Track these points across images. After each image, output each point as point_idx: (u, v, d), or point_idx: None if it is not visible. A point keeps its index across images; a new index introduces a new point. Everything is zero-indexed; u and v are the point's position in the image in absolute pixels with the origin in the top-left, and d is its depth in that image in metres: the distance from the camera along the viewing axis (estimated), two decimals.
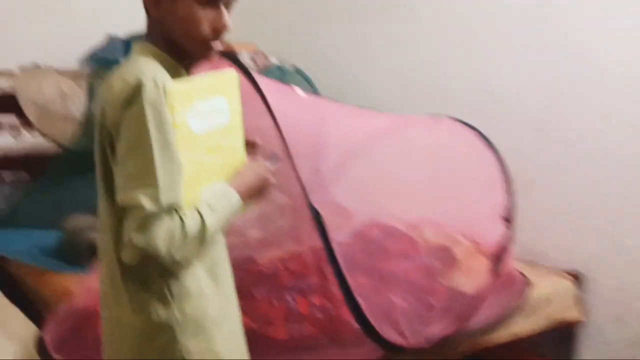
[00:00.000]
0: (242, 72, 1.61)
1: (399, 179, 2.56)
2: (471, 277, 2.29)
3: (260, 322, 1.80)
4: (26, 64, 2.78)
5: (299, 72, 3.12)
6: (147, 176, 1.02)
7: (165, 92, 1.04)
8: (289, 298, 1.88)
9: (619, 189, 2.33)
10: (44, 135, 2.67)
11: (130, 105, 1.03)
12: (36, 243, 2.48)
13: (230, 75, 1.21)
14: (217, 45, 1.18)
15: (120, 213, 1.05)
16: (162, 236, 1.01)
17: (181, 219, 1.04)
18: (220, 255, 1.25)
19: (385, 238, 2.26)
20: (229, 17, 1.18)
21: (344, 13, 3.19)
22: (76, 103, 2.76)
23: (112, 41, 3.09)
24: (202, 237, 1.07)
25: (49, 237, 2.46)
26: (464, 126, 2.36)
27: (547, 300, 2.30)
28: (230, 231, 2.46)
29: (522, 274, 2.34)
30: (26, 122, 2.64)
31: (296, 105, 2.16)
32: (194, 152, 1.10)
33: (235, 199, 1.16)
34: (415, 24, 2.95)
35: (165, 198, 1.02)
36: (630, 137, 2.28)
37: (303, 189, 1.62)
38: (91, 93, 2.68)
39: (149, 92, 1.03)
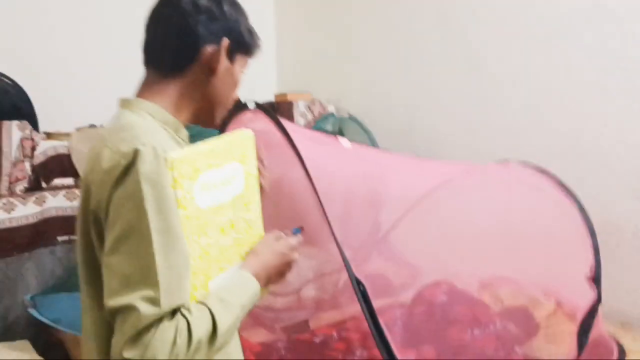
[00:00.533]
0: (275, 123, 1.46)
1: (468, 231, 2.33)
2: (554, 344, 2.01)
3: None
4: (83, 125, 2.78)
5: (353, 119, 2.98)
6: (144, 274, 0.83)
7: (167, 162, 0.87)
8: None
9: None
10: None
11: (123, 181, 0.85)
12: None
13: (244, 135, 1.04)
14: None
15: (109, 317, 0.86)
16: (163, 347, 0.82)
17: (187, 321, 0.85)
18: (233, 354, 1.04)
19: (451, 302, 2.02)
20: None
21: (403, 61, 3.04)
22: None
23: None
24: (213, 339, 0.88)
25: None
26: (537, 172, 2.12)
27: None
28: (284, 289, 2.35)
29: (615, 339, 2.03)
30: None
31: (341, 156, 2.00)
32: (202, 233, 0.92)
33: (252, 285, 0.98)
34: (481, 69, 2.75)
35: (167, 301, 0.83)
36: None
37: (342, 255, 1.43)
38: None
39: (147, 165, 0.85)
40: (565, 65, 2.45)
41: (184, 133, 1.05)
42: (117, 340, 0.83)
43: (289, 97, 3.30)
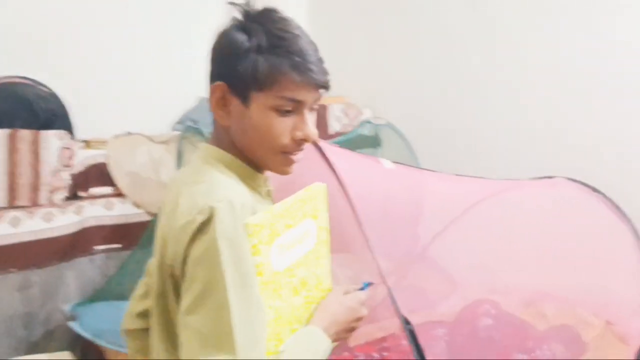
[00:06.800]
0: (325, 160, 1.42)
1: (511, 246, 2.28)
2: None
3: None
4: (120, 133, 2.77)
5: (390, 126, 2.93)
6: (221, 335, 0.81)
7: (247, 228, 0.85)
8: None
9: None
10: (135, 204, 2.63)
11: (199, 239, 0.83)
12: None
13: (317, 189, 1.00)
14: (298, 157, 0.99)
15: None
16: None
17: None
18: None
19: (496, 323, 1.97)
20: (313, 123, 0.99)
21: (440, 64, 2.96)
22: (167, 169, 2.71)
23: (202, 102, 3.07)
24: None
25: None
26: (583, 187, 2.05)
27: None
28: None
29: None
30: (118, 192, 2.61)
31: (385, 177, 1.96)
32: (276, 297, 0.89)
33: (321, 341, 0.94)
34: (524, 76, 2.67)
35: (244, 354, 0.81)
36: None
37: (393, 299, 1.38)
38: (180, 158, 2.63)
39: (223, 222, 0.83)
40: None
41: (262, 179, 1.01)
42: None
43: (323, 101, 3.23)
